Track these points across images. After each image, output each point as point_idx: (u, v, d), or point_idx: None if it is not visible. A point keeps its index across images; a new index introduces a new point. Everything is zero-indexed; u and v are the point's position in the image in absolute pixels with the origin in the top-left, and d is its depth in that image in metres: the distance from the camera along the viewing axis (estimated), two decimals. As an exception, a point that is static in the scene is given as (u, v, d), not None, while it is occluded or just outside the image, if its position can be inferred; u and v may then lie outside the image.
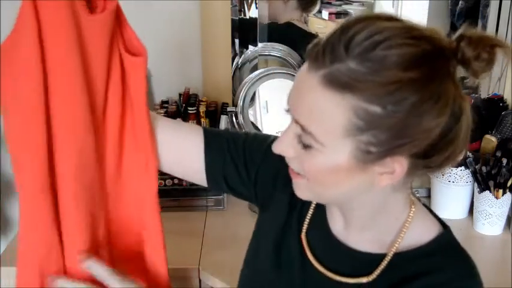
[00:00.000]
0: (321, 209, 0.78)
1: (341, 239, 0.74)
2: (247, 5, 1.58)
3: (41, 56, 0.64)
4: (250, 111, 1.63)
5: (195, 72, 1.68)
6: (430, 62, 0.56)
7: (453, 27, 1.67)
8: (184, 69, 1.69)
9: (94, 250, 0.75)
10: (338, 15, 1.71)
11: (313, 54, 0.59)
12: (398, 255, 0.69)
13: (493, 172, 1.38)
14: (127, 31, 0.72)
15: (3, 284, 1.28)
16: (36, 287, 0.74)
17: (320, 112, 0.58)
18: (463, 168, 1.46)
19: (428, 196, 1.59)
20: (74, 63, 0.65)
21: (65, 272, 0.74)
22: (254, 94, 1.61)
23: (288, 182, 0.74)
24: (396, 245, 0.69)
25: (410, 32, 0.57)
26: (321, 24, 1.71)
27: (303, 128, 0.60)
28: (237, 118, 1.62)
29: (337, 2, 1.71)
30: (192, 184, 1.41)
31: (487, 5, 1.60)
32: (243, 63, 1.64)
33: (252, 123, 1.65)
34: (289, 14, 1.69)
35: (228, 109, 1.61)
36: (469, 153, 1.44)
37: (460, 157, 0.63)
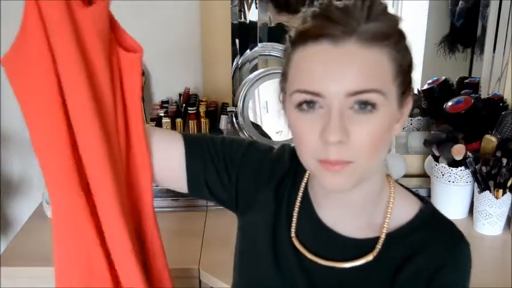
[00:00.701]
0: (307, 200, 0.78)
1: (334, 228, 0.75)
2: (247, 5, 1.58)
3: (50, 52, 0.64)
4: (250, 111, 1.63)
5: (195, 72, 1.68)
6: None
7: (453, 27, 1.67)
8: (184, 69, 1.69)
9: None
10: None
11: (330, 30, 0.62)
12: (390, 236, 0.73)
13: (493, 172, 1.38)
14: (119, 29, 0.71)
15: (3, 284, 1.28)
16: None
17: (373, 67, 0.63)
18: (463, 168, 1.46)
19: (429, 196, 1.59)
20: (75, 59, 0.65)
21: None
22: (254, 94, 1.61)
23: (271, 177, 0.77)
24: (386, 226, 0.73)
25: None
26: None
27: (362, 92, 0.62)
28: (237, 118, 1.62)
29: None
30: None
31: (487, 5, 1.60)
32: (243, 64, 1.64)
33: (252, 123, 1.65)
34: (278, 17, 1.68)
35: (228, 109, 1.61)
36: (469, 153, 1.44)
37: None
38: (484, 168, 1.40)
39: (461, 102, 1.54)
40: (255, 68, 1.64)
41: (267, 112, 1.63)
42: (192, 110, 1.54)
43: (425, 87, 1.68)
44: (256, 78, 1.60)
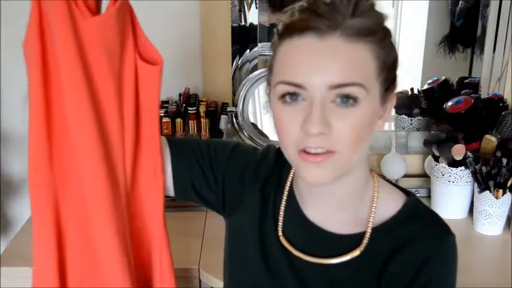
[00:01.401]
0: (292, 199, 0.78)
1: (320, 225, 0.76)
2: (247, 6, 1.58)
3: (42, 54, 0.64)
4: (250, 111, 1.63)
5: (195, 72, 1.68)
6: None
7: (453, 27, 1.67)
8: (184, 69, 1.69)
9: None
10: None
11: (315, 23, 0.62)
12: (375, 230, 0.73)
13: (493, 172, 1.38)
14: (141, 37, 0.70)
15: (3, 284, 1.28)
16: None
17: (357, 61, 0.63)
18: (463, 168, 1.47)
19: (428, 196, 1.59)
20: (75, 68, 0.64)
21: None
22: (254, 94, 1.61)
23: (257, 177, 0.78)
24: (371, 220, 0.74)
25: None
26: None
27: (344, 85, 0.62)
28: (237, 118, 1.62)
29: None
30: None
31: (487, 5, 1.60)
32: (243, 64, 1.64)
33: (252, 123, 1.65)
34: (273, 17, 1.67)
35: (228, 109, 1.61)
36: (469, 153, 1.45)
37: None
38: (484, 168, 1.40)
39: (461, 102, 1.54)
40: (255, 68, 1.64)
41: (267, 112, 1.63)
42: (192, 110, 1.54)
43: (425, 87, 1.68)
44: (256, 78, 1.60)
